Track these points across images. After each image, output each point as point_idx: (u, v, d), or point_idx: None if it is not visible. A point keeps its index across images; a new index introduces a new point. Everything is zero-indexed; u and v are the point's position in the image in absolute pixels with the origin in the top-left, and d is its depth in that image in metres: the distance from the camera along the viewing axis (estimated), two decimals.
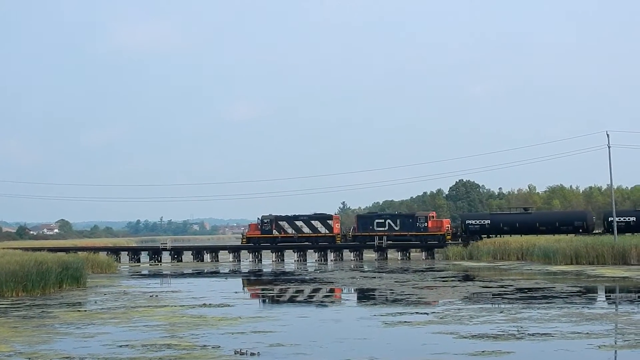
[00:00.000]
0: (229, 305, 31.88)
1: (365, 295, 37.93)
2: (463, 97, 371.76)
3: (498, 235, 73.37)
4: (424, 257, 71.75)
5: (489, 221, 74.22)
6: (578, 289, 37.22)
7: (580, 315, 26.23)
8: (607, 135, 59.69)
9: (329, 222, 78.31)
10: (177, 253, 78.43)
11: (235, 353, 19.58)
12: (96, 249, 78.90)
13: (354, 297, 38.45)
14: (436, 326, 24.11)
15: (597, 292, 37.28)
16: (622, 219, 67.90)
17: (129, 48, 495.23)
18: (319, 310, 30.96)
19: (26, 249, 62.50)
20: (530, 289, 37.25)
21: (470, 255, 68.09)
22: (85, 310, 30.86)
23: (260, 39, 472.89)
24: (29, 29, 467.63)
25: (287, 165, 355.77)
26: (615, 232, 60.64)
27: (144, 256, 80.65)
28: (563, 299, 32.29)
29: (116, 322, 26.64)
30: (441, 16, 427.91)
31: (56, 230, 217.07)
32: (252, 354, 19.43)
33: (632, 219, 68.34)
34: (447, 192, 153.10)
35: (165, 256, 78.10)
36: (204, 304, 32.34)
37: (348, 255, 74.36)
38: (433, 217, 77.35)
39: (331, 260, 71.81)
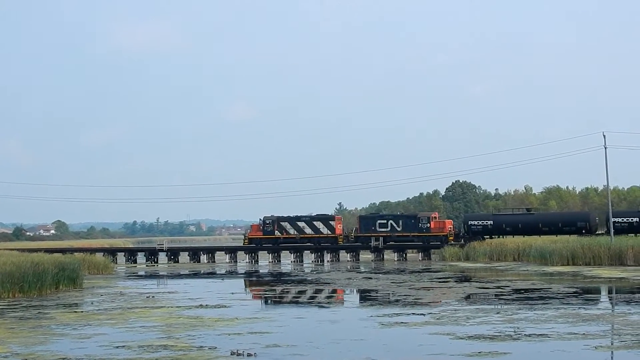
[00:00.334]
0: (225, 306, 31.87)
1: (362, 296, 37.92)
2: (463, 97, 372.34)
3: (500, 236, 73.38)
4: (420, 258, 71.79)
5: (492, 222, 74.21)
6: (574, 289, 37.27)
7: (576, 316, 26.26)
8: (604, 136, 59.86)
9: (331, 222, 78.36)
10: (173, 254, 78.41)
11: (231, 354, 19.57)
12: (93, 250, 78.92)
13: (351, 298, 38.42)
14: (433, 327, 24.12)
15: (593, 293, 37.30)
16: (624, 219, 67.85)
17: (128, 48, 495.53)
18: (316, 311, 30.95)
19: (22, 250, 62.51)
20: (526, 290, 37.28)
21: (467, 256, 68.11)
22: (82, 311, 30.85)
23: (259, 38, 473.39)
24: (29, 29, 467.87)
25: (285, 166, 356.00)
26: (612, 232, 60.78)
27: (141, 257, 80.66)
28: (559, 299, 32.33)
29: (113, 323, 26.62)
30: (441, 16, 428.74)
31: (52, 231, 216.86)
32: (249, 355, 19.42)
33: (634, 219, 68.08)
34: (443, 193, 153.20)
35: (162, 257, 78.06)
36: (201, 305, 32.33)
37: (345, 256, 74.36)
38: (435, 217, 77.41)
39: (328, 261, 71.82)
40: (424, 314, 27.61)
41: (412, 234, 74.68)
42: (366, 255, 74.85)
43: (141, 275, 59.46)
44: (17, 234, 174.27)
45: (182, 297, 37.03)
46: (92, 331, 24.56)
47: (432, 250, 72.88)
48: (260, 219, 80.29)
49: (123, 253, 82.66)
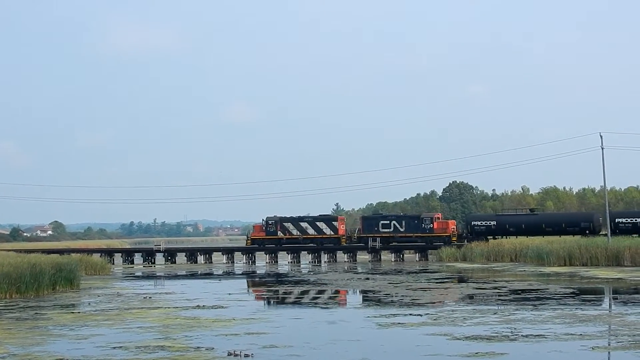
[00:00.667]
0: (222, 307, 31.86)
1: (360, 297, 37.91)
2: (461, 97, 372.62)
3: (504, 237, 73.35)
4: (417, 259, 71.76)
5: (495, 222, 74.15)
6: (571, 290, 37.30)
7: (573, 316, 26.28)
8: (601, 136, 59.97)
9: (334, 223, 78.34)
10: (170, 255, 78.35)
11: (228, 354, 19.57)
12: (90, 251, 78.79)
13: (348, 298, 38.42)
14: (430, 327, 24.13)
15: (590, 294, 37.32)
16: (628, 220, 67.76)
17: (126, 49, 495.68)
18: (313, 312, 30.93)
19: (20, 251, 62.52)
20: (523, 291, 37.31)
21: (464, 256, 68.13)
22: (79, 312, 30.81)
23: (258, 39, 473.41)
24: (26, 31, 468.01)
25: (282, 167, 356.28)
26: (609, 233, 60.85)
27: (138, 258, 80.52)
28: (557, 300, 32.36)
29: (110, 323, 26.59)
30: (441, 16, 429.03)
31: (50, 232, 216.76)
32: (246, 356, 19.42)
33: (639, 220, 67.99)
34: (440, 194, 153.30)
35: (159, 258, 78.02)
36: (198, 306, 32.31)
37: (342, 256, 74.35)
38: (439, 218, 77.42)
39: (325, 262, 71.81)
40: (421, 315, 27.62)
41: (415, 234, 74.68)
42: (363, 256, 74.84)
43: (138, 276, 59.41)
44: (14, 234, 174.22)
45: (179, 297, 37.01)
46: (89, 332, 24.54)
47: (429, 251, 72.86)
48: (262, 220, 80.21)
49: (120, 254, 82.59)
